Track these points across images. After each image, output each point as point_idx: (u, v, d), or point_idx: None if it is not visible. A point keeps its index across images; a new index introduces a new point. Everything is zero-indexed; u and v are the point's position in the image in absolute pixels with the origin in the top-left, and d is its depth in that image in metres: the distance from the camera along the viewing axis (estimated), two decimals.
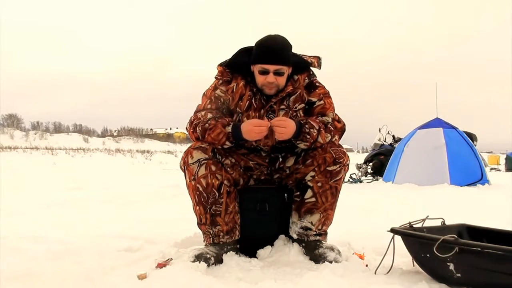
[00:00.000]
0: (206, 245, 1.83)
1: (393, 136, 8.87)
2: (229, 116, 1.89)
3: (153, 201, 4.49)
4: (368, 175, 8.65)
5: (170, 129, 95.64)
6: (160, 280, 1.46)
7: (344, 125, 1.91)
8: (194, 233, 2.14)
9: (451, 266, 1.41)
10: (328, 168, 1.82)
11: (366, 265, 1.69)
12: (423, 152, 6.44)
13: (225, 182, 1.81)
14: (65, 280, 1.49)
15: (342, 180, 1.86)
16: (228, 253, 1.80)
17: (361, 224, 2.83)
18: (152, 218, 3.20)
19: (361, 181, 8.14)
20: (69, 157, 25.04)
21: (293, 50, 1.89)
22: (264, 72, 1.82)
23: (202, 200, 1.79)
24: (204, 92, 1.94)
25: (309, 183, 1.83)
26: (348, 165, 1.87)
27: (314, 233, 1.85)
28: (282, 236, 1.93)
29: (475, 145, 7.06)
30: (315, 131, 1.78)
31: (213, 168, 1.78)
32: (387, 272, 1.58)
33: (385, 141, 8.91)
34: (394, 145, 8.19)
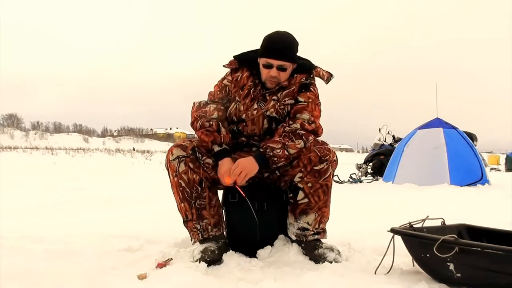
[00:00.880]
0: (196, 243, 1.85)
1: (393, 136, 8.87)
2: (229, 104, 1.97)
3: (153, 201, 4.49)
4: (368, 175, 8.65)
5: (170, 129, 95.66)
6: (160, 280, 1.46)
7: (317, 127, 1.88)
8: None
9: (451, 266, 1.41)
10: (315, 168, 1.83)
11: None
12: (423, 152, 6.44)
13: (204, 179, 1.85)
14: (65, 280, 1.49)
15: (331, 176, 1.87)
16: (227, 252, 1.80)
17: (361, 224, 2.83)
18: (152, 218, 3.20)
19: (361, 181, 8.14)
20: (69, 157, 25.03)
21: (312, 60, 1.97)
22: (268, 66, 1.87)
23: (186, 195, 1.84)
24: (217, 83, 2.05)
25: (299, 185, 1.85)
26: (335, 161, 1.87)
27: (312, 232, 1.86)
28: (282, 236, 1.93)
29: (475, 145, 7.07)
30: (279, 149, 1.79)
31: (191, 165, 1.84)
32: (387, 272, 1.58)
33: (385, 141, 8.90)
34: (394, 145, 8.19)
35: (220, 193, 1.99)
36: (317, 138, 1.90)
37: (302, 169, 1.83)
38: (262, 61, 1.89)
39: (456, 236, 1.42)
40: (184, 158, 1.83)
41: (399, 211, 3.48)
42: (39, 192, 5.36)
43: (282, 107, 1.92)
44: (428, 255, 1.47)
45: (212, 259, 1.70)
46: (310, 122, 1.87)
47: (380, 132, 9.00)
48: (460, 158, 6.29)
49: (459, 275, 1.40)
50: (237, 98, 1.96)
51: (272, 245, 1.89)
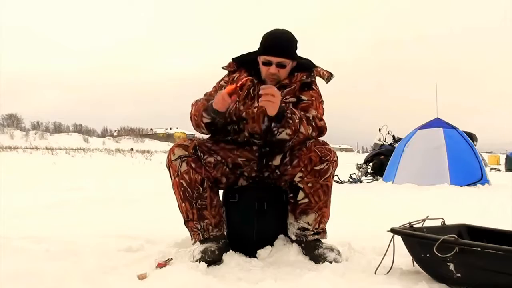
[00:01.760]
0: (197, 243, 1.84)
1: (393, 136, 8.88)
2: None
3: (153, 201, 4.49)
4: (368, 175, 8.65)
5: (170, 129, 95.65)
6: (160, 280, 1.46)
7: (324, 125, 1.90)
8: None
9: (451, 266, 1.41)
10: (316, 168, 1.82)
11: None
12: (423, 152, 6.44)
13: (206, 179, 1.85)
14: (65, 280, 1.49)
15: (331, 176, 1.87)
16: (227, 252, 1.80)
17: (361, 224, 2.83)
18: (152, 218, 3.20)
19: (361, 181, 8.14)
20: (69, 157, 25.00)
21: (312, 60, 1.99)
22: (268, 64, 1.89)
23: (187, 195, 1.83)
24: (215, 84, 2.08)
25: (300, 185, 1.84)
26: (336, 161, 1.87)
27: (312, 232, 1.86)
28: (282, 236, 1.93)
29: (475, 145, 7.07)
30: (297, 118, 1.79)
31: (193, 165, 1.84)
32: (387, 272, 1.58)
33: (385, 141, 8.91)
34: (394, 145, 8.18)
35: (220, 193, 1.99)
36: (319, 138, 1.90)
37: (303, 169, 1.83)
38: (261, 59, 1.90)
39: (456, 236, 1.42)
40: (186, 158, 1.83)
41: (399, 211, 3.48)
42: (39, 192, 5.35)
43: (283, 105, 1.91)
44: (428, 255, 1.47)
45: (212, 260, 1.70)
46: (319, 118, 1.89)
47: (380, 132, 9.00)
48: (460, 158, 6.29)
49: (459, 275, 1.40)
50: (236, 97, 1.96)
51: (272, 245, 1.89)
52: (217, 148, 1.91)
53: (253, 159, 1.93)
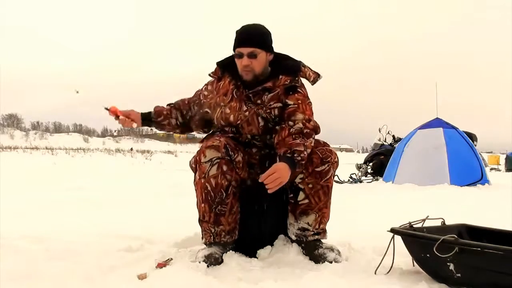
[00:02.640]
0: (206, 244, 1.84)
1: (393, 136, 8.88)
2: (206, 110, 2.05)
3: (153, 201, 4.49)
4: (368, 175, 8.65)
5: None
6: (160, 280, 1.46)
7: (315, 125, 1.89)
8: (194, 233, 2.14)
9: (451, 266, 1.41)
10: (317, 169, 1.82)
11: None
12: (423, 152, 6.44)
13: (233, 183, 1.82)
14: (65, 280, 1.49)
15: (332, 177, 1.87)
16: (228, 252, 1.80)
17: (361, 224, 2.83)
18: (152, 218, 3.20)
19: (361, 181, 8.14)
20: (69, 157, 24.99)
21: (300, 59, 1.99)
22: (240, 56, 1.89)
23: (209, 198, 1.80)
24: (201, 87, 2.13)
25: (300, 185, 1.84)
26: (336, 162, 1.87)
27: (312, 232, 1.85)
28: (282, 236, 1.93)
29: (475, 145, 7.07)
30: (303, 151, 1.77)
31: (225, 168, 1.79)
32: (387, 272, 1.58)
33: (385, 141, 8.91)
34: (394, 145, 8.19)
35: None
36: (319, 139, 1.90)
37: (304, 170, 1.82)
38: (235, 53, 1.91)
39: (456, 236, 1.42)
40: (217, 161, 1.78)
41: (399, 211, 3.48)
42: (39, 192, 5.35)
43: (269, 111, 1.90)
44: (428, 255, 1.47)
45: (214, 265, 1.70)
46: (308, 120, 1.87)
47: (380, 132, 9.01)
48: (460, 158, 6.30)
49: (459, 275, 1.40)
50: (221, 103, 1.96)
51: (272, 245, 1.89)
52: (240, 148, 1.88)
53: (255, 163, 1.93)
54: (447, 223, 1.74)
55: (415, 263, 1.63)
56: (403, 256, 1.65)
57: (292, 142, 1.78)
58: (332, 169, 1.85)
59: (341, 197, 4.72)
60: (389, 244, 1.60)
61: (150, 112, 2.15)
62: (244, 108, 1.91)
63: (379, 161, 8.42)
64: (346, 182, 8.01)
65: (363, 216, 3.29)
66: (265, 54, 1.90)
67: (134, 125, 2.10)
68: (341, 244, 1.96)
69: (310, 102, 1.95)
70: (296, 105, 1.89)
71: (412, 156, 6.49)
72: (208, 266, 1.66)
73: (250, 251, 1.86)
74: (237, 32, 1.92)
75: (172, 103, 2.17)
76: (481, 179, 6.22)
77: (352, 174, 8.53)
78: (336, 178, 8.04)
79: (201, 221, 1.86)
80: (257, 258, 1.83)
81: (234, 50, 1.91)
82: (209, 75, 2.06)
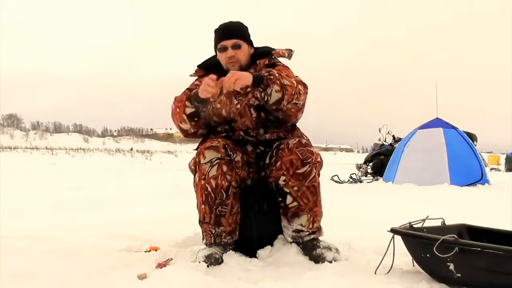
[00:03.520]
0: (207, 244, 1.83)
1: (393, 136, 8.88)
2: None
3: (153, 201, 4.49)
4: (368, 175, 8.65)
5: (170, 129, 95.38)
6: (160, 280, 1.46)
7: (301, 80, 1.87)
8: (194, 233, 2.14)
9: (451, 266, 1.41)
10: (298, 171, 1.79)
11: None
12: (423, 152, 6.44)
13: (233, 183, 1.82)
14: (65, 280, 1.49)
15: (317, 176, 1.85)
16: (228, 252, 1.80)
17: (361, 224, 2.83)
18: (152, 218, 3.20)
19: (361, 181, 8.14)
20: (69, 157, 24.98)
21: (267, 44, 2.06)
22: (224, 49, 1.94)
23: (209, 200, 1.80)
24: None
25: (286, 189, 1.82)
26: (319, 162, 1.85)
27: (307, 232, 1.84)
28: (281, 236, 1.92)
29: (475, 145, 7.07)
30: (275, 73, 1.77)
31: (224, 168, 1.79)
32: (387, 272, 1.58)
33: (385, 141, 8.91)
34: (394, 145, 8.19)
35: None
36: (302, 137, 1.90)
37: (285, 172, 1.80)
38: (218, 48, 1.96)
39: (456, 236, 1.41)
40: (217, 161, 1.77)
41: (399, 211, 3.48)
42: (39, 192, 5.36)
43: (257, 93, 1.88)
44: (428, 255, 1.47)
45: (214, 265, 1.70)
46: (292, 77, 1.87)
47: (380, 132, 9.01)
48: (460, 158, 6.29)
49: (459, 275, 1.40)
50: (211, 99, 1.93)
51: (272, 245, 1.89)
52: (238, 147, 1.88)
53: (251, 161, 1.93)
54: (447, 223, 1.74)
55: (415, 263, 1.63)
56: (403, 256, 1.65)
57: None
58: (315, 169, 1.83)
59: (341, 197, 4.73)
60: (389, 244, 1.60)
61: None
62: (235, 101, 1.92)
63: (379, 161, 8.42)
64: (346, 182, 8.01)
65: (363, 216, 3.29)
66: (247, 46, 1.97)
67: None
68: (341, 244, 1.95)
69: (292, 72, 1.96)
70: (277, 72, 1.88)
71: (412, 156, 6.49)
72: (208, 266, 1.66)
73: (250, 251, 1.86)
74: (216, 29, 1.98)
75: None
76: (481, 179, 6.22)
77: (352, 174, 8.53)
78: (336, 178, 8.05)
79: (201, 222, 1.86)
80: (257, 258, 1.83)
81: (216, 46, 1.97)
82: (191, 75, 2.07)
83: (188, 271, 1.53)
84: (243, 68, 1.92)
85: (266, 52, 2.02)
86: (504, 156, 17.42)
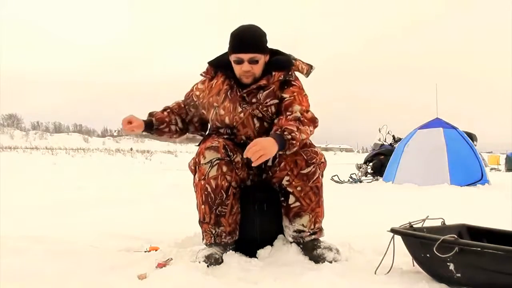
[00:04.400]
0: (207, 245, 1.83)
1: (393, 136, 8.87)
2: (203, 111, 2.04)
3: (153, 201, 4.49)
4: (368, 175, 8.64)
5: None
6: (160, 280, 1.46)
7: (313, 116, 1.86)
8: (194, 233, 2.14)
9: (451, 266, 1.41)
10: (302, 172, 1.79)
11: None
12: (423, 152, 6.44)
13: (233, 184, 1.81)
14: (65, 280, 1.49)
15: (320, 177, 1.85)
16: (228, 252, 1.80)
17: (361, 224, 2.83)
18: (152, 218, 3.20)
19: (361, 181, 8.13)
20: (69, 157, 24.99)
21: (289, 51, 1.97)
22: (239, 62, 1.86)
23: (209, 200, 1.79)
24: (192, 87, 2.10)
25: (289, 189, 1.82)
26: (323, 162, 1.85)
27: (309, 233, 1.84)
28: (281, 236, 1.93)
29: (475, 145, 7.06)
30: (296, 132, 1.71)
31: (224, 169, 1.78)
32: (387, 272, 1.58)
33: (385, 141, 8.90)
34: (394, 145, 8.18)
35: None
36: (306, 141, 1.88)
37: (289, 173, 1.80)
38: (232, 57, 1.87)
39: (456, 236, 1.42)
40: (217, 161, 1.77)
41: (399, 211, 3.48)
42: (39, 192, 5.35)
43: (265, 109, 1.89)
44: (428, 255, 1.47)
45: (214, 265, 1.70)
46: (306, 111, 1.84)
47: (380, 132, 9.00)
48: (460, 158, 6.29)
49: (459, 275, 1.40)
50: (215, 104, 1.94)
51: (272, 245, 1.89)
52: (238, 148, 1.86)
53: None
54: (447, 223, 1.74)
55: (415, 263, 1.63)
56: (403, 256, 1.65)
57: (286, 123, 1.75)
58: (319, 169, 1.83)
59: (342, 197, 4.73)
60: (389, 244, 1.60)
61: (151, 120, 2.07)
62: (239, 109, 1.90)
63: (379, 161, 8.41)
64: (346, 182, 8.01)
65: (363, 216, 3.29)
66: (263, 57, 1.89)
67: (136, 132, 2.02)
68: (341, 244, 1.95)
69: (306, 95, 1.93)
70: (292, 97, 1.87)
71: (412, 156, 6.49)
72: (208, 266, 1.65)
73: (250, 251, 1.86)
74: (233, 35, 1.87)
75: (168, 108, 2.13)
76: (481, 179, 6.21)
77: (352, 174, 8.53)
78: (336, 178, 8.05)
79: (201, 222, 1.85)
80: (257, 258, 1.83)
81: (230, 54, 1.88)
82: (201, 75, 2.04)
83: (188, 271, 1.53)
84: (256, 79, 1.89)
85: (284, 64, 1.93)
86: (504, 156, 17.41)
